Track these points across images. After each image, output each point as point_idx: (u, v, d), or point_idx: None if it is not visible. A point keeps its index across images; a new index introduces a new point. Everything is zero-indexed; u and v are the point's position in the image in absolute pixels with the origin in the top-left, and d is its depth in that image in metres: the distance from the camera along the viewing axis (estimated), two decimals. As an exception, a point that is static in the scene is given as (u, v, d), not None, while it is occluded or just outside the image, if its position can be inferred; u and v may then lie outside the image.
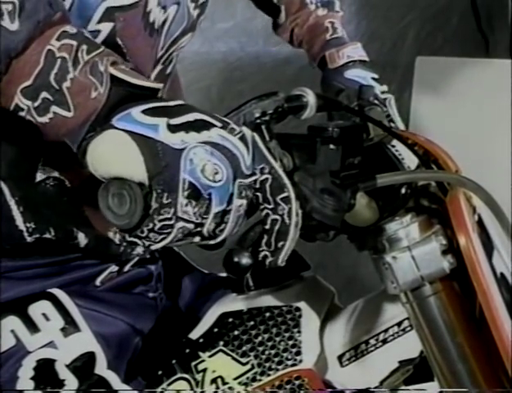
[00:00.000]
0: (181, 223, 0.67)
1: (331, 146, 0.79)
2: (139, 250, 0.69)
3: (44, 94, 0.69)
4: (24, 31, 0.69)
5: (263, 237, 0.72)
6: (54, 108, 0.69)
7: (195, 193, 0.67)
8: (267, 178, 0.71)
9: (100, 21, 0.85)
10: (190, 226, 0.68)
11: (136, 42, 0.89)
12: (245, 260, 0.73)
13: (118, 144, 0.68)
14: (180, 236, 0.69)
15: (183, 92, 1.09)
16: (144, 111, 0.68)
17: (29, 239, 0.89)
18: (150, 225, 0.67)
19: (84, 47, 0.70)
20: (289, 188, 0.71)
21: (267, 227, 0.71)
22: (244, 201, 0.70)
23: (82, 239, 0.91)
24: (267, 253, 0.72)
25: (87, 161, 0.70)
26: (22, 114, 0.71)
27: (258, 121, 0.77)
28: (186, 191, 0.66)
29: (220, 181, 0.68)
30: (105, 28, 0.85)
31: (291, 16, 1.37)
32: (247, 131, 0.72)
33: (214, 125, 0.70)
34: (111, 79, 0.69)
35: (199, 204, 0.67)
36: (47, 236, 0.89)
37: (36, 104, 0.70)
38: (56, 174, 0.88)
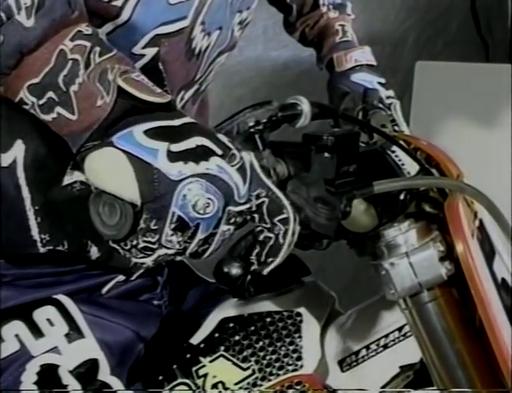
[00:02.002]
0: (163, 251, 0.68)
1: (326, 155, 0.79)
2: (149, 263, 0.69)
3: (50, 94, 0.69)
4: (39, 29, 0.69)
5: (255, 247, 0.72)
6: (58, 109, 0.70)
7: (181, 226, 0.67)
8: (263, 202, 0.71)
9: (145, 46, 0.86)
10: (172, 252, 0.69)
11: (174, 66, 0.90)
12: (235, 271, 0.73)
13: (115, 165, 0.68)
14: (160, 258, 0.70)
15: (209, 107, 1.10)
16: (146, 132, 0.68)
17: (41, 250, 0.89)
18: (134, 242, 0.68)
19: (97, 49, 0.70)
20: (288, 210, 0.71)
21: (260, 239, 0.72)
22: (232, 227, 0.71)
23: (94, 253, 0.91)
24: (254, 263, 0.72)
25: (84, 170, 0.70)
26: (26, 107, 0.71)
27: (252, 130, 0.77)
28: (173, 223, 0.67)
29: (210, 213, 0.68)
30: (150, 52, 0.87)
31: (303, 17, 1.37)
32: (246, 156, 0.71)
33: (214, 153, 0.69)
34: (118, 91, 0.69)
35: (184, 234, 0.68)
36: (60, 248, 0.89)
37: (41, 102, 0.70)
38: (83, 179, 0.86)
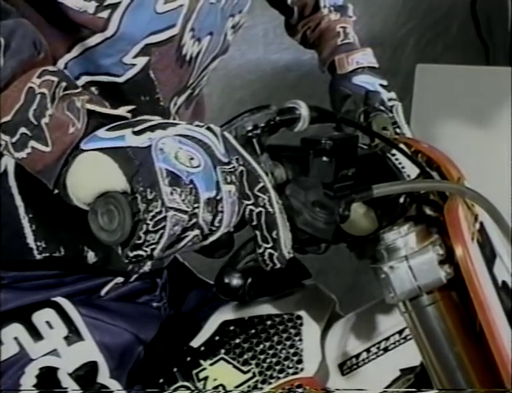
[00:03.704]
0: (171, 212, 0.66)
1: (324, 159, 0.79)
2: (146, 268, 0.69)
3: (23, 130, 0.70)
4: (8, 69, 0.70)
5: (257, 236, 0.72)
6: (32, 143, 0.70)
7: (175, 180, 0.67)
8: (242, 171, 0.71)
9: (136, 56, 0.86)
10: (183, 215, 0.67)
11: (165, 73, 0.90)
12: (236, 281, 0.73)
13: (91, 163, 0.68)
14: (176, 228, 0.67)
15: (206, 110, 1.10)
16: (108, 129, 0.69)
17: (38, 257, 0.89)
18: (144, 227, 0.66)
19: (63, 84, 0.72)
20: (263, 178, 0.71)
21: (255, 222, 0.71)
22: (233, 187, 0.70)
23: (91, 257, 0.91)
24: (269, 250, 0.72)
25: (69, 194, 0.70)
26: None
27: (250, 135, 0.77)
28: (165, 179, 0.66)
29: (198, 166, 0.68)
30: (141, 62, 0.87)
31: (304, 19, 1.37)
32: (214, 126, 0.72)
33: (179, 123, 0.70)
34: (88, 113, 0.71)
35: (184, 191, 0.67)
36: (57, 254, 0.89)
37: (14, 139, 0.70)
38: None
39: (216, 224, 0.70)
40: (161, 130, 0.69)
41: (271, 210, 0.71)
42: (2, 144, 0.71)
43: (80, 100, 0.71)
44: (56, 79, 0.71)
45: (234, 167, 0.71)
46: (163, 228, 0.66)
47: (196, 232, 0.69)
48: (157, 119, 0.71)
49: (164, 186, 0.66)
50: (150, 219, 0.66)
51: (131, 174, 0.67)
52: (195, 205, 0.67)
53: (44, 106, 0.70)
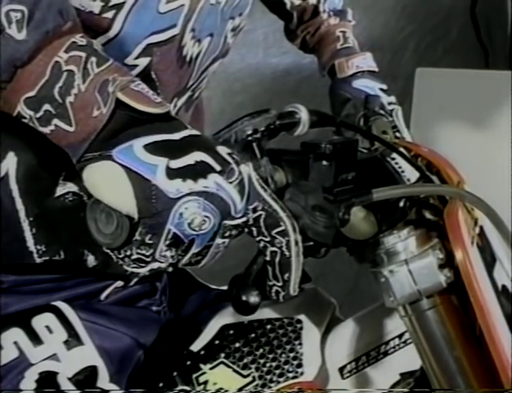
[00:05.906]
0: (156, 264, 0.69)
1: (324, 163, 0.79)
2: (145, 271, 0.70)
3: (47, 106, 0.69)
4: (31, 41, 0.68)
5: (268, 270, 0.72)
6: (56, 121, 0.69)
7: (176, 242, 0.68)
8: (260, 215, 0.71)
9: (138, 56, 0.86)
10: (165, 265, 0.69)
11: (166, 74, 0.90)
12: (253, 299, 0.73)
13: (113, 179, 0.68)
14: (153, 272, 0.70)
15: (206, 114, 1.10)
16: (146, 146, 0.67)
17: (38, 260, 0.89)
18: (128, 252, 0.68)
19: (93, 59, 0.70)
20: (285, 221, 0.71)
21: (268, 258, 0.72)
22: (227, 241, 0.71)
23: (91, 261, 0.91)
24: (278, 288, 0.73)
25: (83, 180, 0.70)
26: (25, 121, 0.71)
27: (250, 139, 0.77)
28: (168, 240, 0.67)
29: (205, 229, 0.68)
30: (143, 62, 0.87)
31: (303, 24, 1.38)
32: (244, 168, 0.70)
33: (213, 170, 0.68)
34: (116, 102, 0.69)
35: (178, 249, 0.68)
36: (57, 258, 0.89)
37: (38, 115, 0.70)
38: (75, 189, 0.87)
39: (193, 262, 0.71)
40: (192, 181, 0.67)
41: (287, 253, 0.71)
42: (27, 117, 0.70)
43: (114, 85, 0.69)
44: (84, 54, 0.69)
45: (244, 221, 0.71)
46: (142, 267, 0.69)
47: (170, 269, 0.71)
48: (196, 150, 0.69)
49: (163, 244, 0.67)
50: (136, 253, 0.68)
51: (143, 215, 0.67)
52: (182, 255, 0.69)
53: (70, 84, 0.68)
